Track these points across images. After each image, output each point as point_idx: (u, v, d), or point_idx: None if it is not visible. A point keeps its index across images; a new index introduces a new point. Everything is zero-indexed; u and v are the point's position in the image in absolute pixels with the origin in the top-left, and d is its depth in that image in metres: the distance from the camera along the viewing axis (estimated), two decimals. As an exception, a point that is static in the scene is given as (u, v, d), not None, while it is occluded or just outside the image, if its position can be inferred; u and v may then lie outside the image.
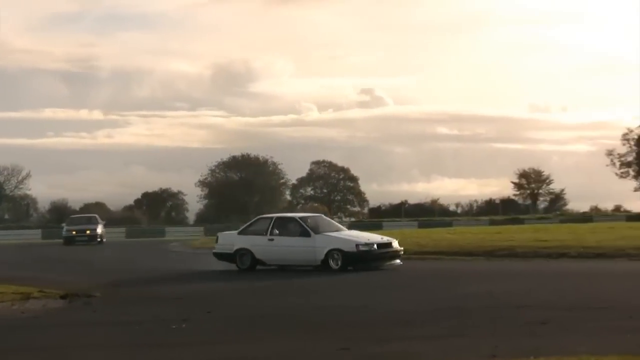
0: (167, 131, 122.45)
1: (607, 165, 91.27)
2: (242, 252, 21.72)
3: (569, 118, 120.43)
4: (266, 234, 21.65)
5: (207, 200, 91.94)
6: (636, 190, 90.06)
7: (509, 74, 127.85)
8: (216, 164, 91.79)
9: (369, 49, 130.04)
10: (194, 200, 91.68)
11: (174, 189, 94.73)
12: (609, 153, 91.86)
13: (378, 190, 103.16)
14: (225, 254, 22.11)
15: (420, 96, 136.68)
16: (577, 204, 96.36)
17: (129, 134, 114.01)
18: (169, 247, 39.45)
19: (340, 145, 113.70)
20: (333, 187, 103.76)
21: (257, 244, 21.69)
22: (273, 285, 18.08)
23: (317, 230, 21.11)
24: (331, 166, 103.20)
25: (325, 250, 20.76)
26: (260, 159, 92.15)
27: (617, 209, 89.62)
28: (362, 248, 20.55)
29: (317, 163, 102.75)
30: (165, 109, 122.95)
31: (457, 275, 18.63)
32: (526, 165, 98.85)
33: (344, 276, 19.11)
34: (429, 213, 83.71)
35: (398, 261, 20.83)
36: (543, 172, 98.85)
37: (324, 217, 24.42)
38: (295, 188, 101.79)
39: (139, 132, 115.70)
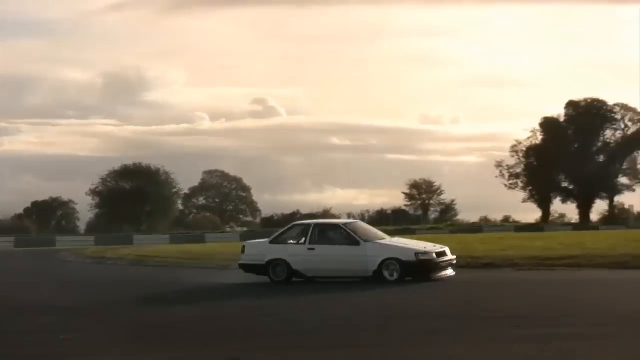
0: (58, 139, 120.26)
1: (496, 177, 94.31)
2: (277, 263, 19.63)
3: (459, 130, 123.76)
4: (305, 243, 19.67)
5: (98, 210, 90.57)
6: (524, 201, 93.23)
7: (400, 86, 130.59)
8: (108, 173, 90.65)
9: (262, 59, 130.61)
10: (85, 210, 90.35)
11: (65, 198, 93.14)
12: (499, 165, 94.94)
13: (271, 200, 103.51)
14: (254, 265, 19.90)
15: (313, 107, 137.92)
16: (467, 214, 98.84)
17: (19, 142, 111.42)
18: (60, 256, 38.49)
19: (233, 155, 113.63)
20: (225, 196, 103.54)
21: (295, 253, 19.66)
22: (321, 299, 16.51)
23: (364, 238, 19.36)
24: (224, 176, 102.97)
25: (380, 260, 18.90)
26: (153, 168, 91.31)
27: (506, 219, 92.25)
28: (422, 257, 18.85)
29: (209, 173, 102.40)
30: (56, 117, 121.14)
31: (348, 285, 18.74)
32: (417, 176, 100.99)
33: (399, 287, 17.57)
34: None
35: (451, 271, 19.21)
36: (434, 182, 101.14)
37: (362, 223, 22.76)
38: (187, 198, 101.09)
39: (30, 140, 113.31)
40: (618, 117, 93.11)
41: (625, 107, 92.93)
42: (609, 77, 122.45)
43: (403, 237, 23.33)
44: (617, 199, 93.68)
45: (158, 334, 11.41)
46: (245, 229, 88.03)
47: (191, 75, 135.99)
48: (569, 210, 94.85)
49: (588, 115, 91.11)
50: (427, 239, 22.81)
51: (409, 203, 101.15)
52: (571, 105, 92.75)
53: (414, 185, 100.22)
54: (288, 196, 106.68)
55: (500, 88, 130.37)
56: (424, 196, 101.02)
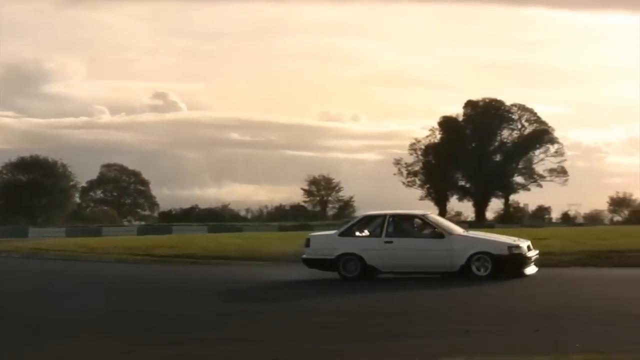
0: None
1: (394, 174, 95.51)
2: (348, 258, 18.09)
3: (359, 127, 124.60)
4: (381, 235, 18.17)
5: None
6: (422, 198, 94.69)
7: (301, 82, 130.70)
8: (4, 165, 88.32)
9: (163, 54, 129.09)
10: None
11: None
12: (397, 162, 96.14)
13: (169, 195, 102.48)
14: (322, 260, 18.30)
15: (214, 102, 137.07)
16: (365, 211, 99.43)
17: None
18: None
19: (132, 149, 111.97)
20: (123, 190, 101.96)
21: (370, 247, 18.14)
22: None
23: (447, 230, 18.16)
24: (122, 169, 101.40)
25: (468, 254, 17.59)
26: (50, 160, 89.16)
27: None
28: (515, 251, 17.61)
29: (107, 166, 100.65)
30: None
31: (248, 279, 18.70)
32: (316, 173, 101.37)
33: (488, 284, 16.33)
34: (220, 218, 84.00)
35: (534, 267, 18.04)
36: (333, 179, 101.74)
37: (434, 214, 21.14)
38: (85, 191, 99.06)
39: None
40: (515, 117, 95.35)
41: (522, 108, 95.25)
42: (507, 77, 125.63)
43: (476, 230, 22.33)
44: (513, 197, 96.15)
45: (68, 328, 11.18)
46: (142, 222, 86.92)
47: (91, 68, 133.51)
48: (465, 208, 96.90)
49: (486, 115, 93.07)
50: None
51: (307, 199, 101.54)
52: (470, 105, 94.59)
53: (313, 182, 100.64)
54: (187, 191, 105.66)
55: (401, 87, 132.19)
56: (323, 192, 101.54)
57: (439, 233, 17.98)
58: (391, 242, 17.99)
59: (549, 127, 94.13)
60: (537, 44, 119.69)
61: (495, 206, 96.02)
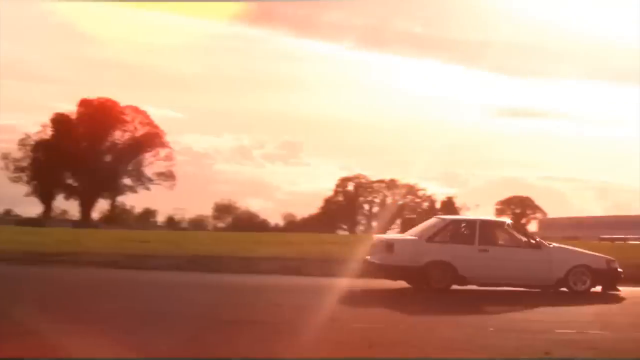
0: None
1: (1, 169, 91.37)
2: (438, 266, 16.72)
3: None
4: (474, 243, 16.90)
5: None
6: (28, 195, 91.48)
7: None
8: None
9: None
10: None
11: None
12: (5, 157, 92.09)
13: None
14: (408, 267, 16.72)
15: None
16: None
17: None
18: None
19: None
20: None
21: (463, 255, 16.79)
22: None
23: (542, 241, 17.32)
24: None
25: (568, 267, 17.08)
26: None
27: (8, 212, 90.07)
28: (612, 265, 17.42)
29: None
30: None
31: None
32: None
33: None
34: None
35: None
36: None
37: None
38: None
39: None
40: (128, 119, 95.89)
41: (136, 110, 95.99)
42: (123, 78, 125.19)
43: None
44: (120, 199, 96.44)
45: None
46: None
47: None
48: (71, 207, 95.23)
49: (100, 115, 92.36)
50: None
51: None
52: (84, 103, 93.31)
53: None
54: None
55: (15, 80, 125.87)
56: None
57: (536, 243, 17.41)
58: (487, 250, 17.03)
59: (161, 130, 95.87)
60: (157, 47, 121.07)
61: (102, 207, 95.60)
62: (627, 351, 10.00)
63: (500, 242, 17.35)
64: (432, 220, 18.53)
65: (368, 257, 17.54)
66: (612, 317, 13.95)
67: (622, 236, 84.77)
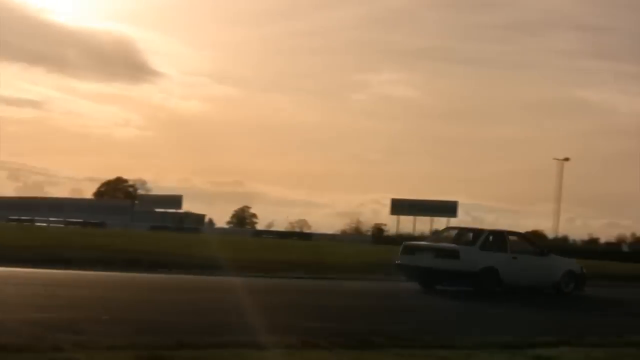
0: None
1: None
2: (489, 272, 18.05)
3: None
4: (507, 251, 18.67)
5: None
6: None
7: None
8: None
9: None
10: None
11: None
12: None
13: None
14: (467, 272, 17.81)
15: None
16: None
17: None
18: None
19: None
20: None
21: (502, 262, 18.40)
22: None
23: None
24: None
25: (562, 272, 19.51)
26: None
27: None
28: (584, 270, 20.12)
29: None
30: None
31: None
32: None
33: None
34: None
35: None
36: None
37: None
38: None
39: None
40: None
41: None
42: None
43: None
44: None
45: None
46: None
47: None
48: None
49: None
50: None
51: None
52: None
53: None
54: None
55: None
56: None
57: (543, 251, 19.80)
58: (516, 258, 18.75)
59: None
60: None
61: None
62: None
63: (523, 251, 19.48)
64: (471, 227, 21.11)
65: (406, 262, 19.10)
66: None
67: (30, 218, 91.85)
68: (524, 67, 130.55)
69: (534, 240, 23.00)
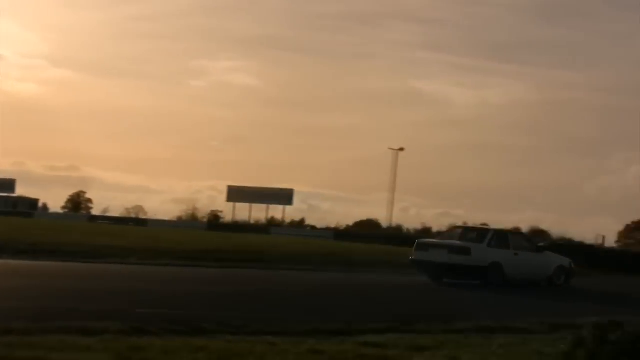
0: None
1: None
2: (495, 267, 20.14)
3: None
4: (510, 248, 20.77)
5: None
6: None
7: None
8: None
9: None
10: None
11: None
12: None
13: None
14: (477, 267, 19.89)
15: None
16: None
17: None
18: None
19: None
20: None
21: (506, 258, 20.47)
22: None
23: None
24: None
25: (554, 267, 21.42)
26: None
27: None
28: (573, 265, 22.02)
29: None
30: None
31: None
32: None
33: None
34: None
35: None
36: None
37: None
38: None
39: None
40: None
41: None
42: None
43: None
44: None
45: None
46: None
47: None
48: None
49: None
50: None
51: None
52: None
53: None
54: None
55: None
56: None
57: (538, 248, 22.15)
58: (517, 254, 20.68)
59: None
60: None
61: None
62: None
63: (523, 248, 21.32)
64: (476, 227, 23.25)
65: (420, 258, 20.61)
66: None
67: None
68: (360, 57, 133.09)
69: (531, 239, 25.38)
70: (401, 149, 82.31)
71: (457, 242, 20.72)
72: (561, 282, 21.36)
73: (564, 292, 20.26)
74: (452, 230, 23.99)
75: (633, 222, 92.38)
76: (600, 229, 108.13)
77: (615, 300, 18.93)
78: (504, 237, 21.18)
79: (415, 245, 21.40)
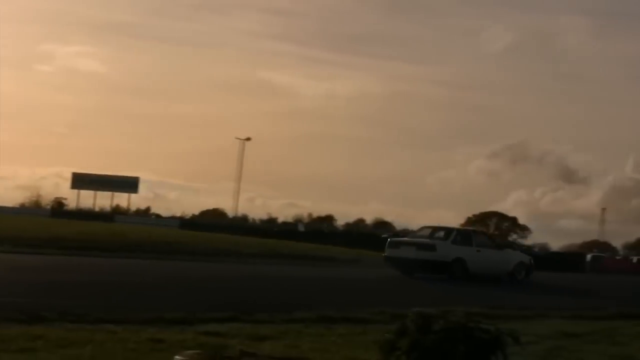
0: None
1: None
2: (459, 262, 21.95)
3: None
4: (472, 245, 22.67)
5: None
6: None
7: None
8: None
9: None
10: None
11: None
12: None
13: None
14: (442, 262, 21.88)
15: None
16: None
17: None
18: None
19: None
20: None
21: (469, 254, 22.27)
22: None
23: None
24: None
25: (514, 263, 23.62)
26: None
27: None
28: (532, 262, 24.45)
29: None
30: None
31: None
32: None
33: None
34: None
35: None
36: None
37: None
38: None
39: None
40: None
41: None
42: None
43: None
44: None
45: None
46: None
47: None
48: None
49: None
50: None
51: None
52: None
53: None
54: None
55: None
56: None
57: (501, 246, 24.85)
58: (480, 251, 22.59)
59: None
60: None
61: None
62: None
63: (485, 245, 23.37)
64: (443, 226, 24.68)
65: (392, 254, 22.90)
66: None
67: None
68: (211, 45, 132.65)
69: (493, 237, 28.61)
70: (248, 139, 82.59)
71: (424, 240, 22.81)
72: (522, 277, 23.59)
73: (500, 285, 21.84)
74: (422, 230, 25.45)
75: (474, 215, 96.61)
76: (442, 221, 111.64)
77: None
78: (467, 236, 23.62)
79: (387, 243, 23.74)
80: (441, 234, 23.33)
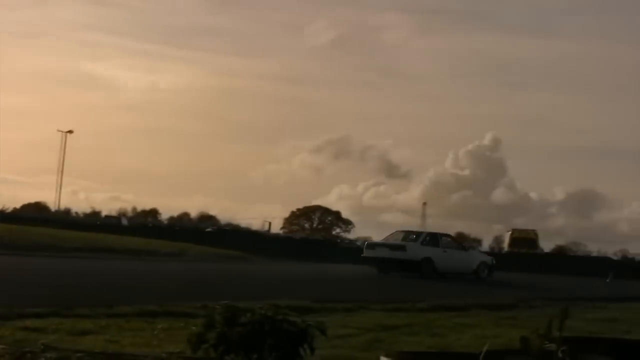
0: None
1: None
2: (427, 261, 25.03)
3: None
4: (439, 246, 25.94)
5: None
6: None
7: None
8: None
9: None
10: None
11: None
12: None
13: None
14: (412, 261, 24.93)
15: None
16: None
17: None
18: None
19: None
20: None
21: (436, 254, 25.45)
22: None
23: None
24: None
25: (477, 263, 26.84)
26: None
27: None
28: (494, 262, 27.53)
29: None
30: None
31: None
32: None
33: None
34: None
35: None
36: None
37: None
38: None
39: None
40: None
41: None
42: None
43: None
44: None
45: None
46: None
47: None
48: None
49: None
50: None
51: None
52: None
53: None
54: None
55: None
56: None
57: (463, 247, 28.25)
58: (446, 251, 25.92)
59: None
60: None
61: None
62: None
63: (451, 247, 26.69)
64: (415, 230, 29.01)
65: (369, 255, 26.22)
66: None
67: None
68: (30, 36, 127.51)
69: (458, 239, 31.99)
70: (70, 132, 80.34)
71: (396, 242, 26.15)
72: (485, 275, 26.58)
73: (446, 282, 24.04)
74: (396, 234, 28.27)
75: (298, 209, 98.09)
76: (267, 215, 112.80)
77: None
78: (435, 238, 26.61)
79: (365, 245, 27.81)
80: (413, 236, 27.02)
